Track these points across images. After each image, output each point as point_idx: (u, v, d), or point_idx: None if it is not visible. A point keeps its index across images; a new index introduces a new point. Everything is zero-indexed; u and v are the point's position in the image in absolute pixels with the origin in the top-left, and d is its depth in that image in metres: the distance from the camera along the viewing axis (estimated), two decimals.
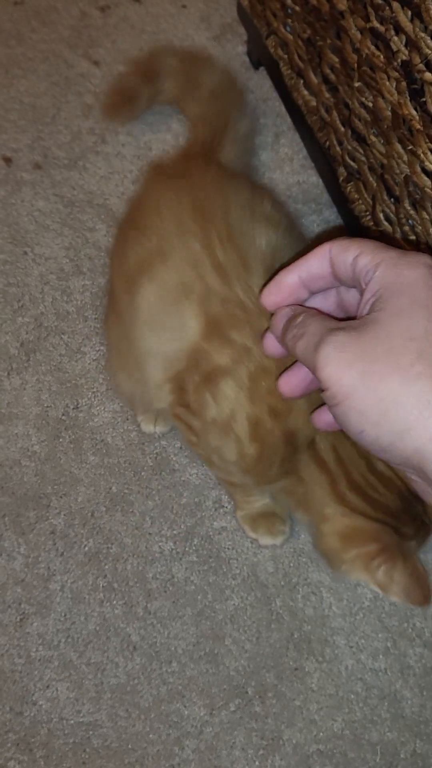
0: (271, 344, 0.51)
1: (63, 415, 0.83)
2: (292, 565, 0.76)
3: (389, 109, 0.69)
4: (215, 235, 0.61)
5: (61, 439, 0.81)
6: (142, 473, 0.80)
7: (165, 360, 0.65)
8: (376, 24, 0.66)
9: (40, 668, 0.71)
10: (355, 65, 0.72)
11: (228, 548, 0.76)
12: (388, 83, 0.67)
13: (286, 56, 0.91)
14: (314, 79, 0.84)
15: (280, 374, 0.52)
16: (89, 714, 0.70)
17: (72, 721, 0.70)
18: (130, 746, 0.69)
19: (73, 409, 0.83)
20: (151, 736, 0.69)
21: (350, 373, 0.41)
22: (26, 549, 0.76)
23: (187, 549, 0.76)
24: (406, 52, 0.62)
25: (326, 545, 0.63)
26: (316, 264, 0.48)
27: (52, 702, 0.70)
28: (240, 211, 0.64)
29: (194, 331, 0.61)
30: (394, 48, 0.64)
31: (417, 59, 0.61)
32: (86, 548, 0.76)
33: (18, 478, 0.79)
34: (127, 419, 0.82)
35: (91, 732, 0.69)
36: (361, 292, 0.45)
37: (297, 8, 0.84)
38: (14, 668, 0.71)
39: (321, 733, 0.69)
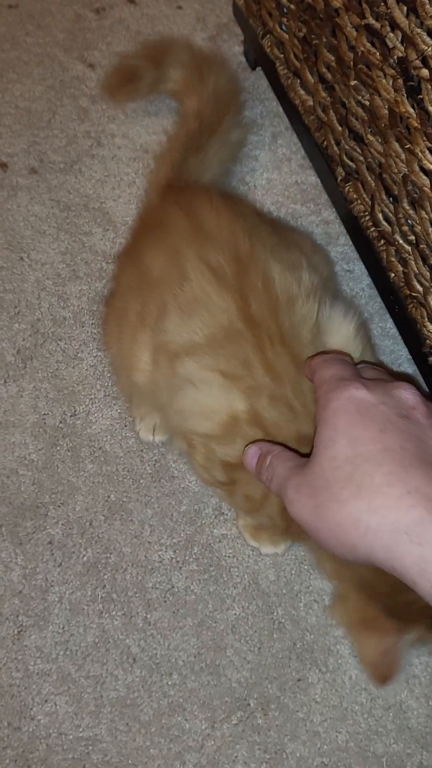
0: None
1: (60, 422, 0.81)
2: (293, 572, 0.74)
3: (386, 107, 0.67)
4: (266, 337, 0.60)
5: (58, 447, 0.80)
6: (141, 481, 0.79)
7: (192, 416, 0.64)
8: (371, 20, 0.65)
9: (38, 682, 0.70)
10: (351, 63, 0.71)
11: (229, 556, 0.75)
12: (384, 81, 0.66)
13: (282, 56, 0.89)
14: (310, 78, 0.83)
15: None
16: (88, 728, 0.69)
17: (71, 736, 0.68)
18: (130, 761, 0.67)
19: (71, 416, 0.82)
20: (151, 750, 0.68)
21: (306, 509, 0.48)
22: (23, 560, 0.75)
23: (187, 558, 0.75)
24: (402, 49, 0.61)
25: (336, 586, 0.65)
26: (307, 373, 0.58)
27: (50, 716, 0.69)
28: (286, 307, 0.62)
29: (238, 411, 0.60)
30: (390, 45, 0.62)
31: (413, 55, 0.59)
32: (84, 558, 0.75)
33: (15, 488, 0.78)
34: (126, 426, 0.81)
35: (90, 747, 0.68)
36: None
37: (292, 6, 0.82)
38: (12, 682, 0.70)
39: (325, 746, 0.68)
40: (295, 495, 0.50)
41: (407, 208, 0.70)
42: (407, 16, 0.59)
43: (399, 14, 0.59)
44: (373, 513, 0.45)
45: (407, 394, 0.51)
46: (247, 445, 0.58)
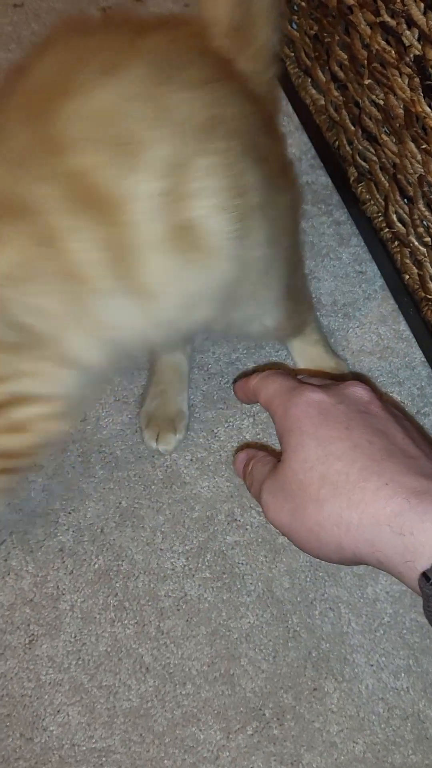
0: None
1: (70, 427, 0.80)
2: (308, 580, 0.73)
3: (401, 106, 0.66)
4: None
5: (68, 453, 0.79)
6: (152, 487, 0.77)
7: None
8: (387, 18, 0.63)
9: (50, 692, 0.69)
10: (365, 62, 0.70)
11: (242, 563, 0.74)
12: (400, 80, 0.65)
13: (292, 54, 0.88)
14: (322, 77, 0.82)
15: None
16: (102, 739, 0.68)
17: (84, 747, 0.67)
18: None
19: (81, 421, 0.81)
20: (166, 762, 0.67)
21: (283, 513, 0.48)
22: (34, 567, 0.74)
23: (199, 565, 0.74)
24: (419, 47, 0.60)
25: None
26: (248, 394, 0.58)
27: (63, 727, 0.68)
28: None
29: None
30: (407, 43, 0.61)
31: (431, 54, 0.58)
32: (96, 566, 0.74)
33: (25, 494, 0.77)
34: (136, 431, 0.80)
35: (104, 758, 0.67)
36: None
37: (303, 4, 0.81)
38: (24, 692, 0.69)
39: (342, 757, 0.67)
40: (270, 499, 0.50)
41: (423, 209, 0.68)
42: (425, 14, 0.57)
43: (416, 11, 0.58)
44: (353, 509, 0.45)
45: (361, 391, 0.52)
46: (236, 451, 0.58)
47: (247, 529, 0.75)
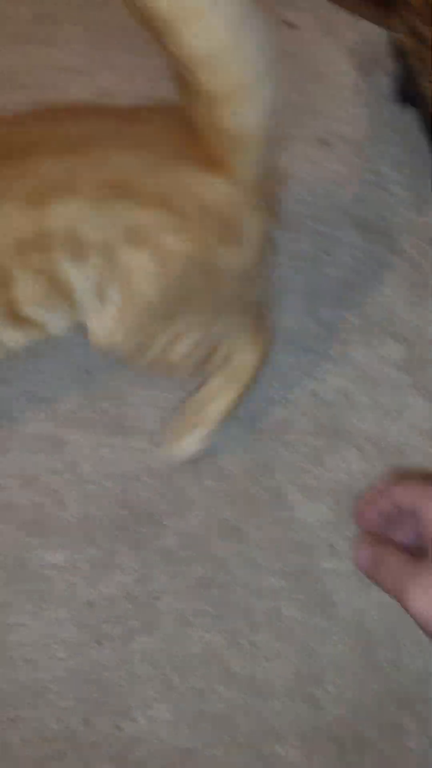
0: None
1: None
2: (399, 617, 0.75)
3: None
4: None
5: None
6: (257, 504, 0.80)
7: None
8: None
9: (142, 686, 0.73)
10: None
11: (336, 591, 0.76)
12: None
13: None
14: None
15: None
16: (186, 740, 0.71)
17: (169, 745, 0.70)
18: None
19: None
20: None
21: None
22: (138, 565, 0.77)
23: (295, 587, 0.76)
24: None
25: None
26: (383, 504, 0.56)
27: (151, 721, 0.71)
28: None
29: None
30: None
31: None
32: (197, 573, 0.77)
33: (135, 493, 0.81)
34: (243, 447, 0.83)
35: (186, 758, 0.70)
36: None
37: None
38: (118, 682, 0.73)
39: None
40: (421, 591, 0.48)
41: None
42: None
43: None
44: None
45: None
46: (357, 545, 0.59)
47: (343, 559, 0.77)
